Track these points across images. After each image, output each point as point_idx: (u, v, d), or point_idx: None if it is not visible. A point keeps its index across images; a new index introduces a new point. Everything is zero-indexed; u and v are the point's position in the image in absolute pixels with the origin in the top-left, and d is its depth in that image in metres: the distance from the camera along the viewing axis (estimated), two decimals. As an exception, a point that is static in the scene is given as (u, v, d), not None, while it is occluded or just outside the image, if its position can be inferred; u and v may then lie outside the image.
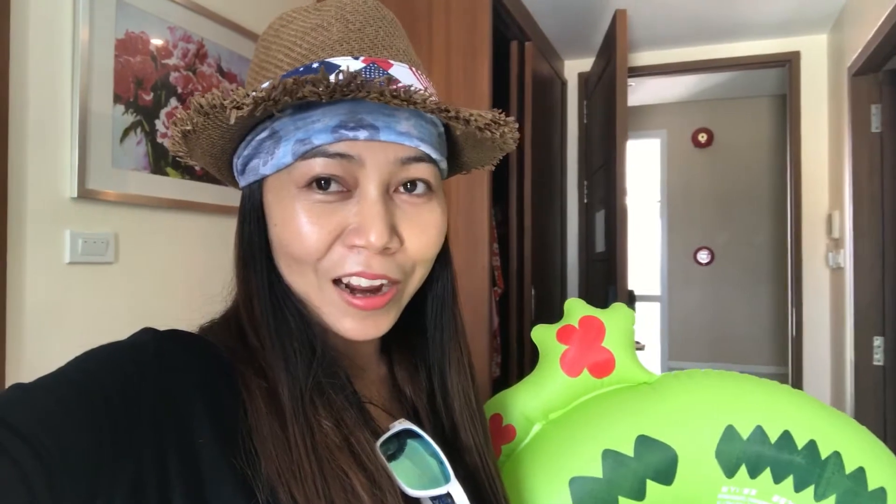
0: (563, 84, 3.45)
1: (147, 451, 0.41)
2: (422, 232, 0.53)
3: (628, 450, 0.78)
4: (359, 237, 0.49)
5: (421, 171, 0.52)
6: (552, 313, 2.98)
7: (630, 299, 2.51)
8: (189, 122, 0.48)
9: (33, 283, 1.29)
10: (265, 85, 0.44)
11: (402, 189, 0.52)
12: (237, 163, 0.55)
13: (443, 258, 0.60)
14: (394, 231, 0.50)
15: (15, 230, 1.25)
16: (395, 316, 0.54)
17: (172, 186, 1.60)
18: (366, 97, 0.45)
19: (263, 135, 0.52)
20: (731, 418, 0.79)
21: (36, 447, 0.36)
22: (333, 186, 0.50)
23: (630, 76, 3.12)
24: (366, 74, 0.49)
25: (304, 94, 0.44)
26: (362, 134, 0.49)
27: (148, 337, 0.48)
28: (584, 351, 0.83)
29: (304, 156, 0.50)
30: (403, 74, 0.52)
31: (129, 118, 1.48)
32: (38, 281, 1.30)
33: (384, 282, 0.51)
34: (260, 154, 0.52)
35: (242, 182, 0.56)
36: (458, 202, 1.98)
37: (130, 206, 1.50)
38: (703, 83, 4.72)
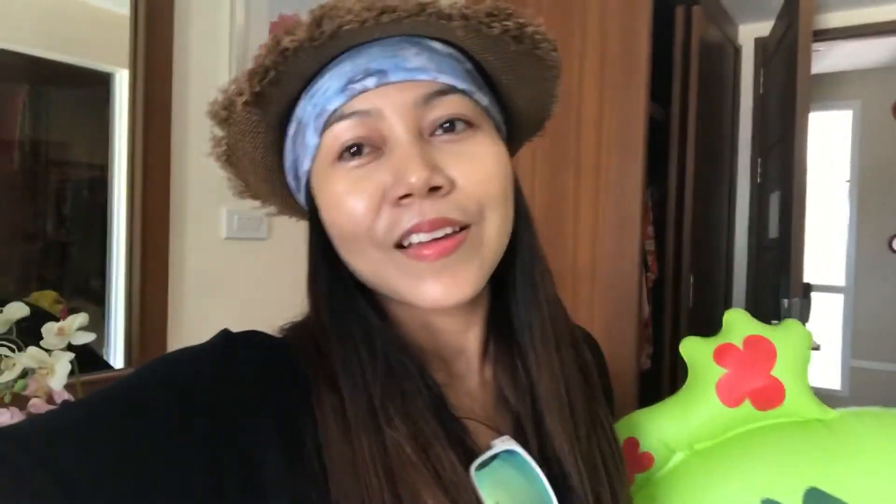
0: (737, 51, 3.14)
1: (198, 464, 0.38)
2: (473, 165, 0.47)
3: (795, 503, 0.65)
4: (399, 186, 0.44)
5: (452, 105, 0.47)
6: (713, 304, 2.75)
7: (805, 291, 2.24)
8: (223, 141, 0.48)
9: (193, 257, 1.38)
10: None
11: (439, 131, 0.47)
12: (290, 181, 0.53)
13: (520, 230, 0.53)
14: (437, 169, 0.45)
15: (177, 207, 1.34)
16: (478, 270, 0.47)
17: (322, 165, 1.64)
18: (339, 28, 0.42)
19: (292, 131, 0.50)
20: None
21: (54, 468, 0.35)
22: (365, 150, 0.47)
23: (816, 40, 2.76)
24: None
25: (286, 45, 0.42)
26: (371, 81, 0.45)
27: (219, 343, 0.46)
28: (748, 378, 0.69)
29: (325, 128, 0.47)
30: None
31: (282, 98, 1.53)
32: (197, 254, 1.39)
33: (448, 230, 0.45)
34: (298, 152, 0.50)
35: (301, 197, 0.53)
36: (609, 180, 1.86)
37: (282, 184, 1.55)
38: (908, 45, 4.10)
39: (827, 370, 4.86)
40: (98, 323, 1.26)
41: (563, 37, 1.88)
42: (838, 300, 4.93)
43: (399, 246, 0.46)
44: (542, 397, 0.51)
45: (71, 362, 1.06)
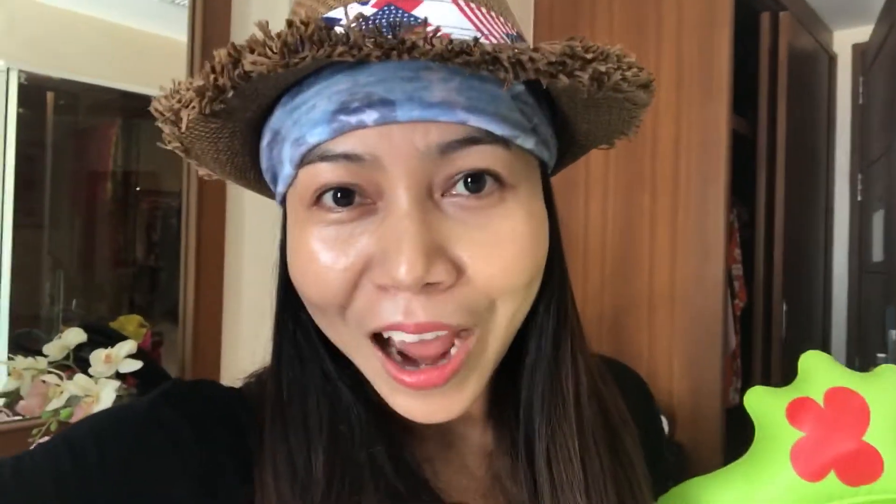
0: (832, 59, 2.93)
1: None
2: (492, 251, 0.35)
3: None
4: (383, 272, 0.34)
5: (480, 157, 0.35)
6: (810, 334, 2.53)
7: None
8: (173, 138, 0.37)
9: (249, 282, 1.35)
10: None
11: (459, 188, 0.35)
12: (268, 181, 0.42)
13: (548, 287, 0.41)
14: (440, 255, 0.34)
15: (234, 233, 1.32)
16: (476, 384, 0.37)
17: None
18: (329, 55, 0.29)
19: (267, 139, 0.39)
20: None
21: None
22: (353, 199, 0.36)
23: (924, 43, 2.54)
24: (376, 21, 0.33)
25: (246, 68, 0.30)
26: (370, 116, 0.33)
27: (147, 402, 0.39)
28: (833, 444, 0.53)
29: (303, 162, 0.36)
30: (440, 12, 0.35)
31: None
32: (253, 279, 1.35)
33: (440, 332, 0.35)
34: (274, 162, 0.39)
35: (279, 208, 0.43)
36: (688, 198, 1.73)
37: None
38: None
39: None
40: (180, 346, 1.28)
41: (636, 44, 1.78)
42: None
43: (374, 335, 0.36)
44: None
45: (116, 390, 1.04)
